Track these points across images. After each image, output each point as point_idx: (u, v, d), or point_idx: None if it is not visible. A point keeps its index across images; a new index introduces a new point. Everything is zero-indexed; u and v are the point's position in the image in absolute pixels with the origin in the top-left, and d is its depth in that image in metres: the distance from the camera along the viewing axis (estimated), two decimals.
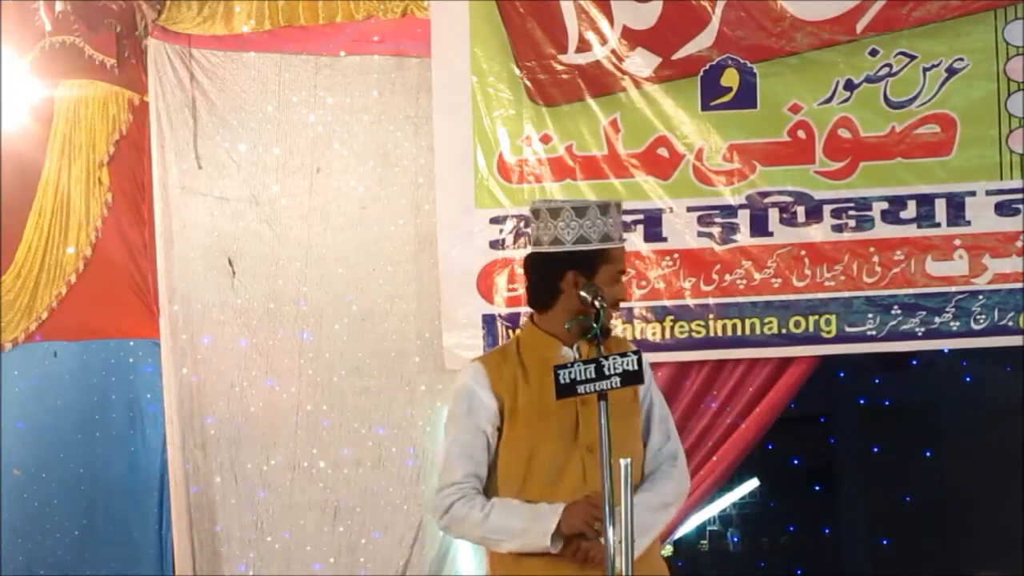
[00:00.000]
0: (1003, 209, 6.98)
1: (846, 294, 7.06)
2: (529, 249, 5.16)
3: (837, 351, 7.15)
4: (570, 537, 4.96)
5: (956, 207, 7.00)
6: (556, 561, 5.01)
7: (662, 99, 7.24)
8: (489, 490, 5.14)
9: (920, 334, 7.01)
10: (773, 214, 7.13)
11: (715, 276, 7.16)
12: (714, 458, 7.19)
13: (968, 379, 7.32)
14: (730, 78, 7.18)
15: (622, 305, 7.04)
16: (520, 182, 7.37)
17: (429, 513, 7.44)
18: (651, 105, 7.25)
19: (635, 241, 7.22)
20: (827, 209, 7.10)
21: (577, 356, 5.06)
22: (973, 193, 7.00)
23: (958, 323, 6.98)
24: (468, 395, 5.23)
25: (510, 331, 7.31)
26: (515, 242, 7.34)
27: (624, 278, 5.19)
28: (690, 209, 7.22)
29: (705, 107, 7.22)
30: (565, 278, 5.04)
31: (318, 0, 7.71)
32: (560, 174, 7.33)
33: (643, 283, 7.23)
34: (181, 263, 7.77)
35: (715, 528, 12.42)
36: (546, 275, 5.08)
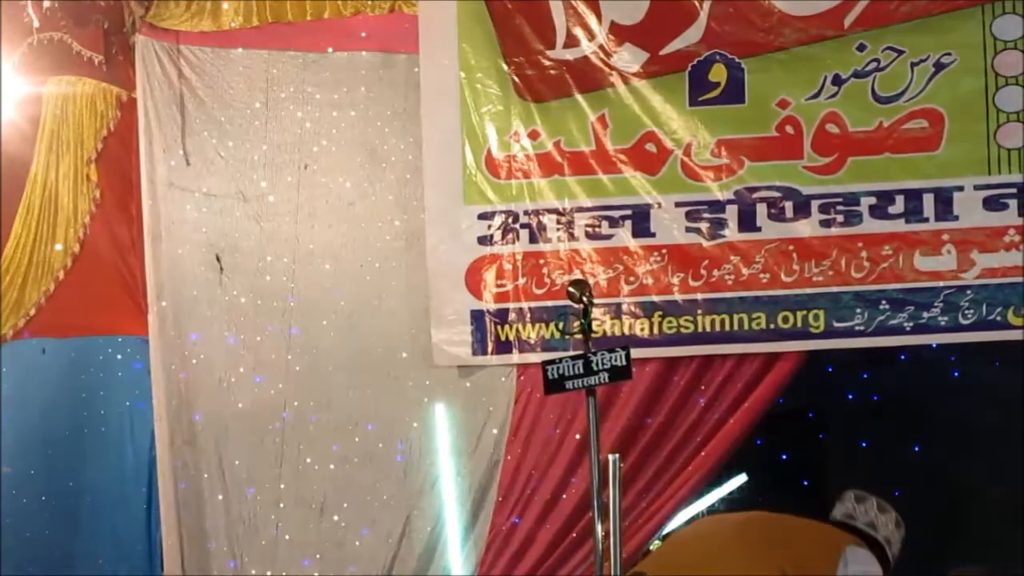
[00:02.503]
0: (991, 204, 6.98)
1: (834, 289, 7.06)
2: None
3: (825, 346, 7.14)
4: None
5: (944, 202, 7.00)
6: None
7: (650, 95, 7.24)
8: None
9: (908, 329, 7.01)
10: (761, 209, 7.13)
11: (703, 271, 7.15)
12: (702, 453, 7.18)
13: (956, 374, 7.33)
14: (718, 73, 7.17)
15: (610, 300, 7.10)
16: (508, 178, 7.36)
17: (417, 509, 7.45)
18: (639, 101, 7.25)
19: (623, 237, 7.23)
20: (815, 204, 7.09)
21: None
22: (961, 188, 6.99)
23: (946, 318, 6.98)
24: None
25: (498, 327, 7.32)
26: (503, 238, 7.35)
27: None
28: (678, 204, 7.21)
29: (693, 102, 7.21)
30: None
31: None
32: (548, 170, 7.33)
33: (631, 279, 7.23)
34: (169, 259, 7.77)
35: None
36: None
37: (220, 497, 7.67)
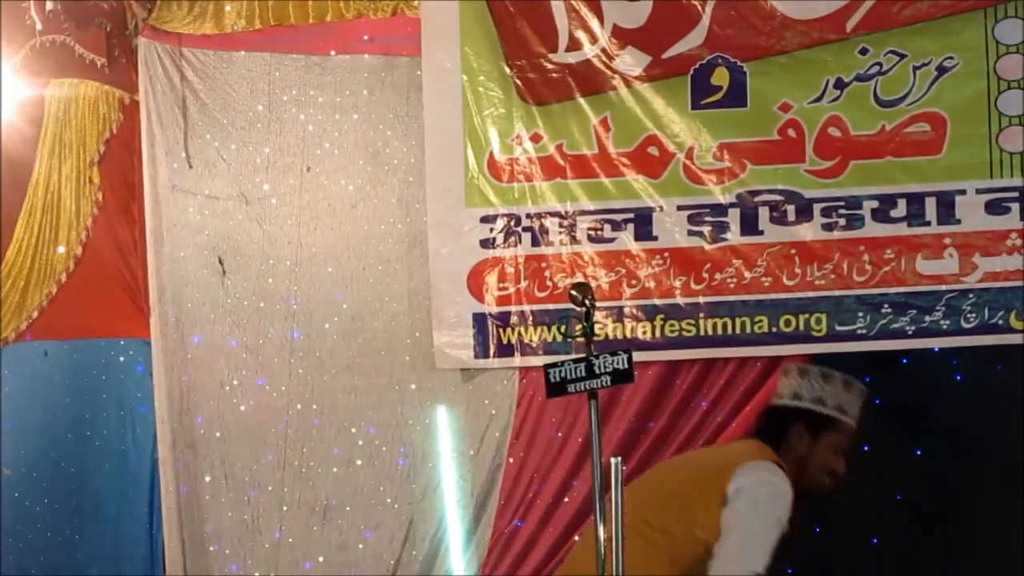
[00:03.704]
0: (994, 208, 6.98)
1: (836, 293, 7.06)
2: None
3: (827, 350, 7.13)
4: None
5: (946, 206, 7.00)
6: None
7: (652, 98, 7.24)
8: None
9: (910, 333, 7.02)
10: (763, 213, 7.13)
11: (705, 275, 7.16)
12: None
13: (958, 378, 7.31)
14: (720, 77, 7.17)
15: (611, 303, 7.09)
16: (510, 181, 7.36)
17: (419, 512, 7.46)
18: (641, 104, 7.25)
19: (625, 240, 7.23)
20: (817, 208, 7.09)
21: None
22: (963, 192, 6.99)
23: (948, 322, 6.99)
24: (789, 506, 5.40)
25: (500, 330, 7.32)
26: (505, 241, 7.35)
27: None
28: (680, 208, 7.21)
29: (695, 106, 7.21)
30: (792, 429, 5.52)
31: None
32: (550, 173, 7.33)
33: (633, 282, 7.23)
34: (171, 262, 7.77)
35: None
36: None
37: (222, 500, 7.67)
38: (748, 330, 7.11)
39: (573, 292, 5.01)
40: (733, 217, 7.16)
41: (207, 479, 7.69)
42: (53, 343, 8.02)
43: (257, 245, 7.70)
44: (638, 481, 5.76)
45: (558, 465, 7.26)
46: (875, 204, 7.05)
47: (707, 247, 7.18)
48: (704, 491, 5.37)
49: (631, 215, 7.24)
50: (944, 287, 6.98)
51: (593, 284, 7.09)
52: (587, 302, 4.92)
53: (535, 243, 7.34)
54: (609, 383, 4.79)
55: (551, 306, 7.30)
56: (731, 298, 7.14)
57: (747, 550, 5.18)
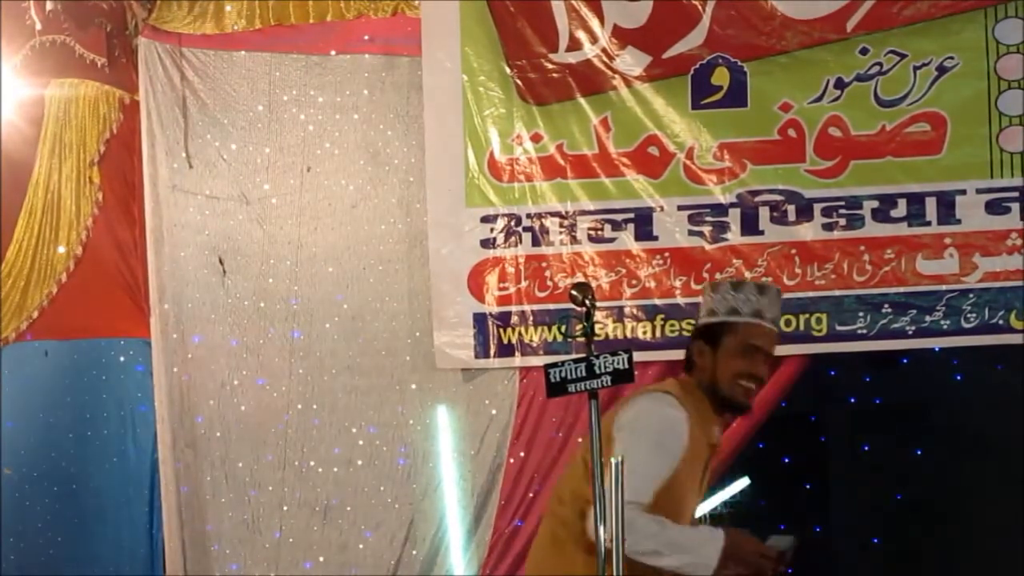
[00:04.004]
0: (994, 208, 6.98)
1: (837, 293, 7.06)
2: None
3: (828, 350, 7.14)
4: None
5: (947, 206, 7.00)
6: None
7: (653, 98, 7.24)
8: None
9: (911, 332, 7.01)
10: (763, 213, 7.13)
11: (706, 275, 7.15)
12: None
13: (959, 378, 7.32)
14: (720, 77, 7.17)
15: (612, 303, 7.09)
16: (511, 181, 7.36)
17: (420, 512, 7.46)
18: (642, 104, 7.25)
19: (626, 240, 7.23)
20: (817, 208, 7.09)
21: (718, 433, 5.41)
22: (964, 191, 6.99)
23: (948, 321, 6.98)
24: (675, 425, 5.26)
25: (500, 330, 7.32)
26: (506, 241, 7.35)
27: (761, 357, 5.39)
28: (681, 208, 7.22)
29: (696, 106, 7.21)
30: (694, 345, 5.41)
31: None
32: (551, 173, 7.33)
33: (634, 282, 7.23)
34: (172, 262, 7.77)
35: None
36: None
37: (222, 500, 7.66)
38: None
39: (573, 292, 5.01)
40: (733, 217, 7.16)
41: (207, 479, 7.69)
42: (53, 343, 8.02)
43: (257, 245, 7.70)
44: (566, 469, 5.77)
45: (558, 465, 7.25)
46: (875, 204, 7.05)
47: (707, 247, 7.18)
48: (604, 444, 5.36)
49: (631, 215, 7.24)
50: (944, 287, 6.98)
51: (593, 284, 7.09)
52: (587, 302, 4.91)
53: (535, 243, 7.34)
54: (609, 383, 4.78)
55: (551, 306, 7.30)
56: None
57: (627, 479, 5.11)
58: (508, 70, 7.37)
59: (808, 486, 9.80)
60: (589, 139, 7.29)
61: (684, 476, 5.23)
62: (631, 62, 7.25)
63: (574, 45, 7.31)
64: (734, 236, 7.16)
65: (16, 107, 8.01)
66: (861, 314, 7.04)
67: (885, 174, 7.05)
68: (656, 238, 7.23)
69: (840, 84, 7.08)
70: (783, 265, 7.10)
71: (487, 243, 7.37)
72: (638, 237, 7.24)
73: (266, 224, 7.70)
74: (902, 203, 7.03)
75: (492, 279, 7.36)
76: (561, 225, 7.30)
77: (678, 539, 5.09)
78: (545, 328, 7.30)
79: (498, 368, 7.38)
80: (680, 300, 7.18)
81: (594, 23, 7.28)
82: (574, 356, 5.00)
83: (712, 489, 7.85)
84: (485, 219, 7.38)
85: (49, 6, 7.99)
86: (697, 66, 7.19)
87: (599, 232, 7.26)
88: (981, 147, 6.98)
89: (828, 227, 7.08)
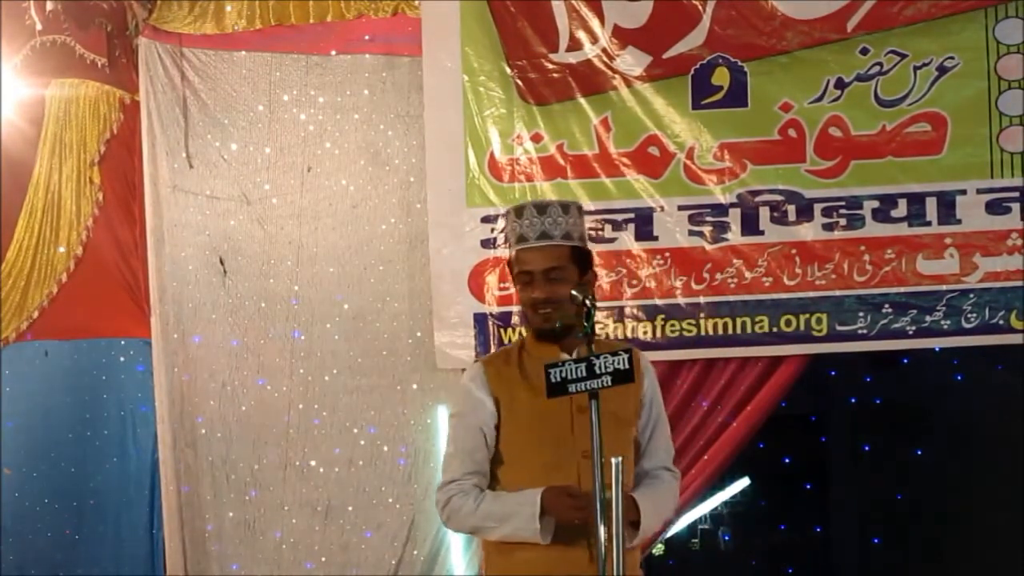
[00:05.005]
0: (994, 208, 6.99)
1: (837, 293, 7.07)
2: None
3: (828, 350, 7.15)
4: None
5: (947, 206, 7.01)
6: (546, 556, 5.04)
7: (653, 98, 7.25)
8: (492, 488, 5.23)
9: (911, 333, 7.02)
10: (764, 213, 7.14)
11: (706, 275, 7.16)
12: (705, 457, 7.19)
13: (959, 377, 7.33)
14: (721, 77, 7.18)
15: (612, 303, 7.09)
16: (511, 181, 7.37)
17: (421, 512, 7.45)
18: (642, 104, 7.25)
19: (626, 240, 7.24)
20: (818, 208, 7.10)
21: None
22: (964, 192, 7.00)
23: (949, 322, 6.99)
24: (466, 395, 5.29)
25: (501, 330, 7.32)
26: (506, 241, 7.34)
27: (540, 278, 5.16)
28: (681, 208, 7.22)
29: (696, 106, 7.22)
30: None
31: None
32: (551, 173, 7.33)
33: (634, 282, 7.24)
34: (172, 262, 7.77)
35: (706, 527, 12.41)
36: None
37: (223, 500, 7.67)
38: (749, 330, 7.12)
39: (573, 292, 5.02)
40: (734, 217, 7.17)
41: (208, 479, 7.69)
42: (54, 343, 8.02)
43: (258, 245, 7.70)
44: None
45: None
46: (876, 204, 7.06)
47: (708, 247, 7.18)
48: None
49: (632, 215, 7.24)
50: (945, 287, 6.99)
51: None
52: (588, 302, 4.92)
53: None
54: (610, 383, 4.78)
55: None
56: (732, 298, 7.15)
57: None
58: (508, 70, 7.37)
59: (809, 486, 9.81)
60: (589, 139, 7.29)
61: (512, 430, 5.18)
62: (631, 62, 7.26)
63: (574, 45, 7.31)
64: (734, 236, 7.17)
65: (16, 107, 8.01)
66: (861, 314, 7.05)
67: (885, 174, 7.05)
68: (656, 238, 7.23)
69: (840, 84, 7.08)
70: (783, 265, 7.11)
71: (488, 243, 7.38)
72: (638, 237, 7.24)
73: (267, 224, 7.70)
74: (902, 203, 7.04)
75: (493, 279, 7.36)
76: None
77: (494, 510, 5.11)
78: None
79: None
80: (680, 300, 7.19)
81: (594, 23, 7.29)
82: (575, 356, 5.00)
83: (713, 489, 7.86)
84: (485, 219, 7.38)
85: (49, 6, 7.99)
86: (697, 66, 7.20)
87: (599, 232, 7.26)
88: (981, 147, 6.99)
89: (828, 227, 7.09)
